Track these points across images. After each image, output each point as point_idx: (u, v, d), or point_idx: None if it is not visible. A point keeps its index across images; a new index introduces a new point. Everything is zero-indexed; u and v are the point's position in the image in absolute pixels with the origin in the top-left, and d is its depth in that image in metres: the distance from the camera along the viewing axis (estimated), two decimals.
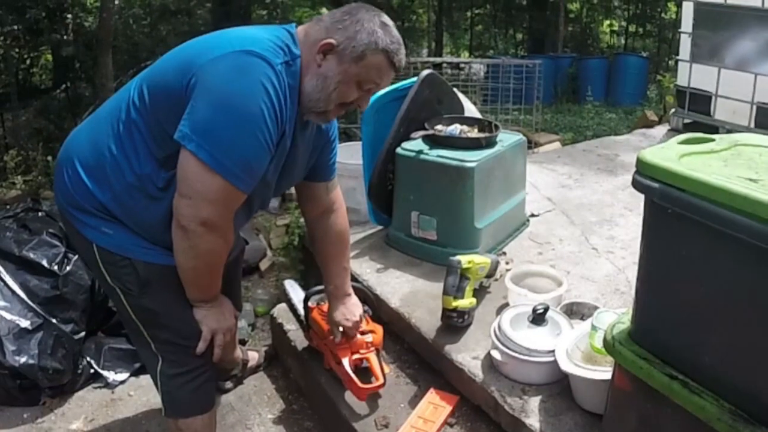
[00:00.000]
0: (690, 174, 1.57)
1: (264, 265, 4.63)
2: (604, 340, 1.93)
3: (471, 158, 3.25)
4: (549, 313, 2.62)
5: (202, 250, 2.14)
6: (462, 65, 9.28)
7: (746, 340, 1.56)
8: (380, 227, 3.84)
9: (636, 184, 1.70)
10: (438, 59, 9.96)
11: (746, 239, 1.45)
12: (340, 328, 2.74)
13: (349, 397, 2.81)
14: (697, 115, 5.93)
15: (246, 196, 2.14)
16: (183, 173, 2.03)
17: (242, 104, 1.99)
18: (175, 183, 2.08)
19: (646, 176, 1.66)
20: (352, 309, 2.75)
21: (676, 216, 1.61)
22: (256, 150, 2.05)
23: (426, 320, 2.97)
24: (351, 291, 2.80)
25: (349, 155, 3.89)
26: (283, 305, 3.58)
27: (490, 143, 3.43)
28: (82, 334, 3.40)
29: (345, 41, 2.10)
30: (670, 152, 1.71)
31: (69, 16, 8.72)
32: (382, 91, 3.04)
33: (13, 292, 3.28)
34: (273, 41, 2.10)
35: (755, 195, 1.44)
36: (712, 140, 1.85)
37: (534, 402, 2.44)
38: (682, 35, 5.97)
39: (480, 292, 3.05)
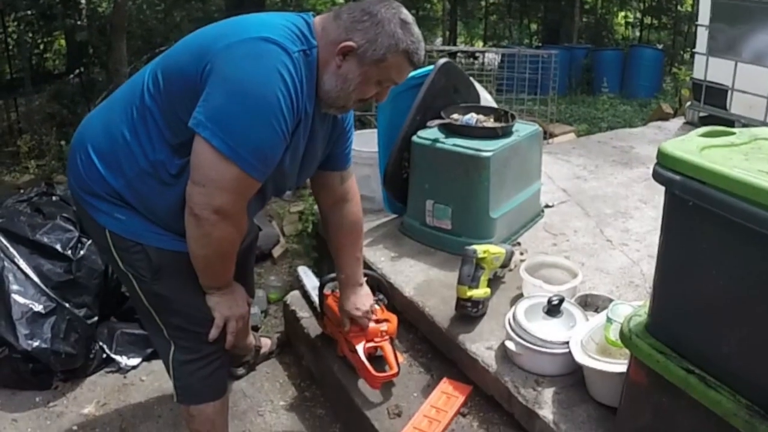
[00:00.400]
0: (711, 167, 1.55)
1: (277, 252, 4.62)
2: (621, 333, 1.92)
3: (487, 148, 3.24)
4: (564, 305, 2.62)
5: (215, 238, 2.13)
6: (477, 54, 9.25)
7: (765, 335, 1.55)
8: (395, 215, 3.84)
9: (657, 176, 1.68)
10: (453, 48, 9.93)
11: (767, 233, 1.44)
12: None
13: (362, 385, 2.82)
14: (712, 109, 5.90)
15: (260, 185, 2.14)
16: (197, 161, 2.02)
17: (258, 92, 1.98)
18: (188, 170, 2.07)
19: (667, 168, 1.65)
20: (363, 299, 2.75)
21: (696, 209, 1.60)
22: (271, 138, 2.04)
23: (440, 309, 2.96)
24: (363, 281, 2.80)
25: (364, 143, 3.88)
26: (296, 292, 3.58)
27: (506, 133, 3.42)
28: (95, 318, 3.41)
29: (365, 44, 2.09)
30: (690, 145, 1.70)
31: (83, 1, 8.71)
32: None
33: (27, 276, 3.28)
34: (290, 28, 2.09)
35: None
36: (733, 134, 1.84)
37: (547, 393, 2.44)
38: (699, 28, 5.94)
39: (494, 282, 3.05)
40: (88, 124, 2.35)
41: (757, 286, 1.54)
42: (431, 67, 3.50)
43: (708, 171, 1.55)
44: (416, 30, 2.16)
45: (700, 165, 1.57)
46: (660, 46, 13.53)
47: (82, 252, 3.45)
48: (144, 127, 2.15)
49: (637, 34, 16.10)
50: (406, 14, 2.16)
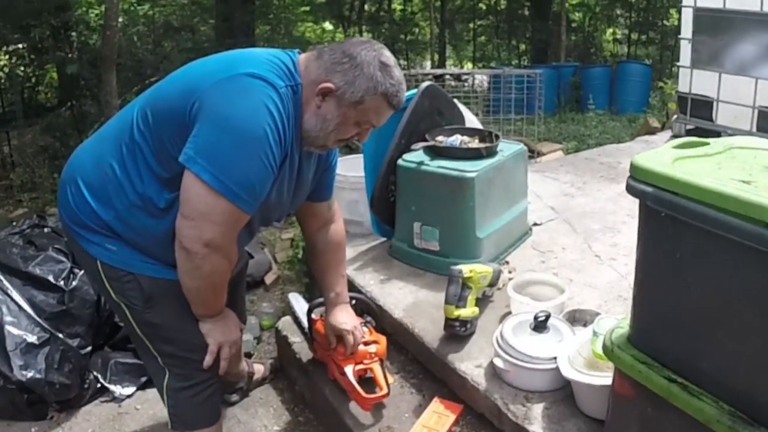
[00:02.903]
0: (682, 177, 1.58)
1: (269, 278, 4.64)
2: (604, 345, 1.93)
3: (471, 168, 3.27)
4: (551, 321, 2.63)
5: (205, 271, 2.15)
6: (464, 76, 9.30)
7: (743, 341, 1.56)
8: (383, 239, 3.84)
9: (630, 189, 1.71)
10: (439, 71, 9.99)
11: (739, 241, 1.46)
12: (340, 336, 2.76)
13: (353, 407, 2.82)
14: (699, 121, 5.94)
15: (249, 217, 2.16)
16: (187, 195, 2.05)
17: (246, 127, 2.01)
18: (177, 204, 2.10)
19: (640, 180, 1.68)
20: (349, 316, 2.78)
21: (669, 219, 1.62)
22: (259, 172, 2.07)
23: (429, 330, 2.97)
24: (348, 300, 2.83)
25: (351, 168, 3.91)
26: (288, 318, 3.60)
27: (490, 153, 3.44)
28: (89, 348, 3.42)
29: (344, 86, 2.12)
30: (663, 156, 1.73)
31: (73, 34, 8.77)
32: None
33: (20, 307, 3.30)
34: (276, 64, 2.13)
35: (747, 197, 1.45)
36: (707, 144, 1.86)
37: (537, 409, 2.45)
38: (682, 41, 5.98)
39: (483, 302, 3.06)
40: (78, 157, 2.37)
41: (732, 293, 1.56)
42: (415, 90, 3.54)
43: (679, 181, 1.58)
44: (397, 73, 2.19)
45: (671, 176, 1.60)
46: (648, 61, 13.59)
47: (74, 282, 3.46)
48: (133, 162, 2.18)
49: (625, 50, 16.17)
50: (388, 56, 2.18)
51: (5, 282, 3.36)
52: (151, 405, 3.34)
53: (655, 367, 1.77)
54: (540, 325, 2.60)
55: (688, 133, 6.04)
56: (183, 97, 2.08)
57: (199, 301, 2.30)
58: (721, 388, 1.63)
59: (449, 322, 2.82)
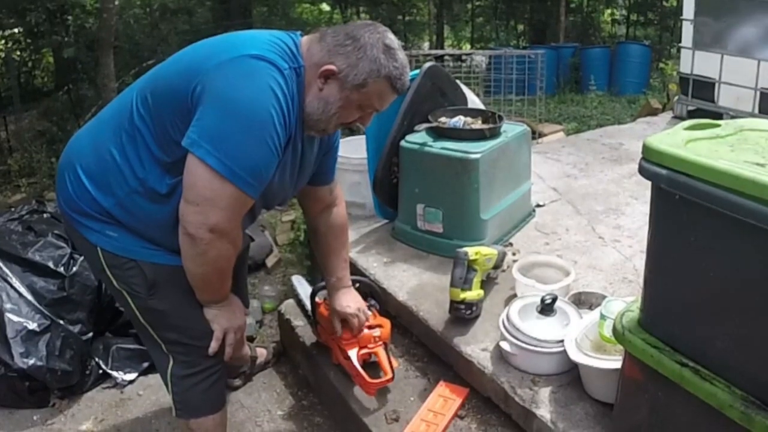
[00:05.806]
0: (697, 159, 1.56)
1: (270, 261, 4.62)
2: (614, 329, 1.92)
3: (475, 150, 3.24)
4: (557, 303, 2.61)
5: (210, 257, 2.12)
6: (464, 57, 9.27)
7: (757, 325, 1.55)
8: (386, 221, 3.83)
9: (642, 171, 1.68)
10: (440, 51, 9.96)
11: (754, 224, 1.44)
12: (344, 320, 2.74)
13: (358, 391, 2.81)
14: (700, 102, 5.92)
15: (254, 201, 2.14)
16: (191, 180, 2.01)
17: (251, 109, 1.98)
18: (179, 189, 2.07)
19: (653, 162, 1.65)
20: (354, 298, 2.76)
21: (683, 202, 1.60)
22: (265, 155, 2.03)
23: (434, 313, 2.96)
24: (351, 284, 2.81)
25: (354, 149, 3.88)
26: (291, 301, 3.59)
27: (494, 134, 3.42)
28: (90, 334, 3.40)
29: (347, 68, 2.09)
30: (676, 138, 1.70)
31: (69, 17, 8.72)
32: None
33: (20, 294, 3.28)
34: (279, 46, 2.09)
35: (763, 179, 1.43)
36: (718, 126, 1.84)
37: (544, 393, 2.44)
38: (684, 22, 5.96)
39: (487, 284, 3.05)
40: (76, 143, 2.34)
41: (747, 277, 1.54)
42: (417, 71, 3.51)
43: (693, 164, 1.55)
44: (401, 56, 2.15)
45: (686, 158, 1.58)
46: (647, 42, 13.54)
47: (74, 268, 3.44)
48: (133, 147, 2.14)
49: (624, 30, 16.12)
50: (392, 39, 2.15)
51: (5, 269, 3.33)
52: (154, 391, 3.33)
53: (666, 351, 1.75)
54: (547, 308, 2.59)
55: (690, 114, 6.03)
56: (185, 79, 2.05)
57: (205, 287, 2.27)
58: (734, 373, 1.62)
59: (455, 305, 2.80)
